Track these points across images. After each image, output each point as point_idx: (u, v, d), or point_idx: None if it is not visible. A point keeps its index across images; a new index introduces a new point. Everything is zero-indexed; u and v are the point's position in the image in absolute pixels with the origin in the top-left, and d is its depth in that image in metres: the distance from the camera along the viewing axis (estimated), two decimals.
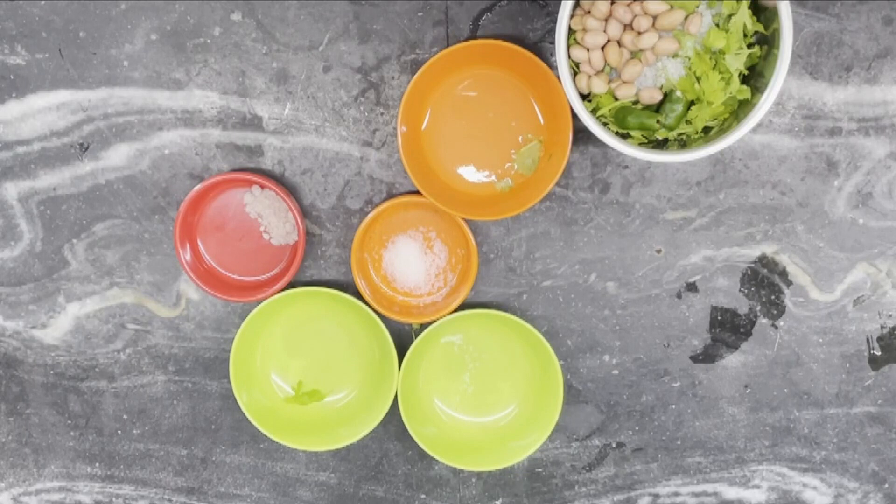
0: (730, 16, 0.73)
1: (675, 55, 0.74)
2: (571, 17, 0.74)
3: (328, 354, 0.90)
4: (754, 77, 0.74)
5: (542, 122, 0.83)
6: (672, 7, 0.73)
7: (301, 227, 0.83)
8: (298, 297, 0.86)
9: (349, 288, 0.86)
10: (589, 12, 0.74)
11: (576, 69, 0.76)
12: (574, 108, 0.74)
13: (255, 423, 0.87)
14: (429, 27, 0.83)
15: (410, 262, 0.87)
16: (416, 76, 0.80)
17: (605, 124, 0.76)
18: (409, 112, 0.82)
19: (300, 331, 0.90)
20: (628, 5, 0.74)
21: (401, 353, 0.86)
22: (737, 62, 0.73)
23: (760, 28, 0.73)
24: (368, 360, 0.90)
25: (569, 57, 0.74)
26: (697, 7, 0.73)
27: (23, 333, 0.90)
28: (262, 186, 0.84)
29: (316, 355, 0.90)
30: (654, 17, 0.74)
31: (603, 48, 0.75)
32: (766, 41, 0.73)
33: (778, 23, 0.70)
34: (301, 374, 0.91)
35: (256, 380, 0.90)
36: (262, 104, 0.84)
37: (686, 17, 0.73)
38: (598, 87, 0.75)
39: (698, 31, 0.73)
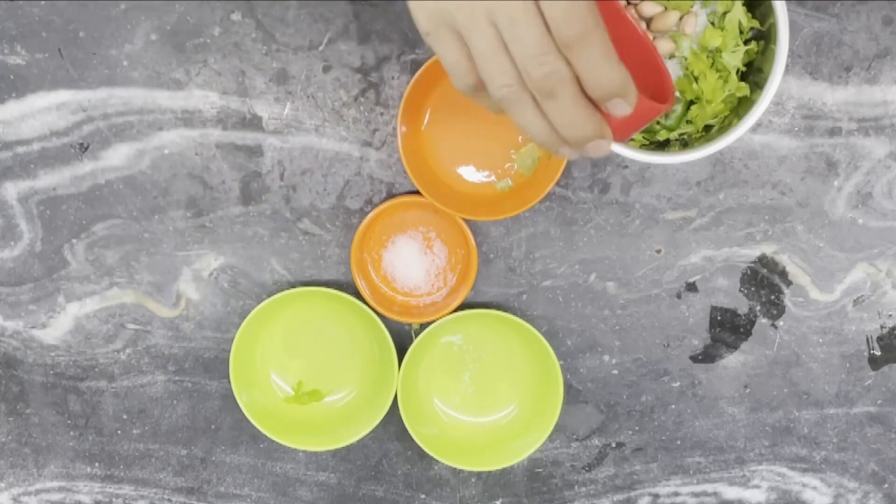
0: (724, 14, 0.73)
1: (671, 56, 0.74)
2: None
3: (328, 354, 0.90)
4: (753, 73, 0.74)
5: None
6: (666, 8, 0.73)
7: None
8: (298, 297, 0.86)
9: (349, 288, 0.86)
10: None
11: None
12: None
13: (255, 423, 0.87)
14: None
15: (410, 262, 0.87)
16: (416, 76, 0.80)
17: None
18: (409, 112, 0.82)
19: (300, 331, 0.90)
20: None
21: (401, 353, 0.86)
22: (734, 60, 0.73)
23: (756, 24, 0.73)
24: (368, 360, 0.90)
25: None
26: (692, 7, 0.73)
27: (23, 333, 0.90)
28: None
29: (316, 355, 0.90)
30: (649, 20, 0.74)
31: None
32: (762, 37, 0.73)
33: (773, 17, 0.70)
34: (301, 374, 0.91)
35: (256, 380, 0.90)
36: (262, 104, 0.84)
37: (681, 18, 0.73)
38: None
39: (694, 31, 0.73)
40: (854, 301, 0.86)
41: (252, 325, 0.86)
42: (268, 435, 0.87)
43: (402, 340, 0.88)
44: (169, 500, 0.93)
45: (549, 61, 0.50)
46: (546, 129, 0.53)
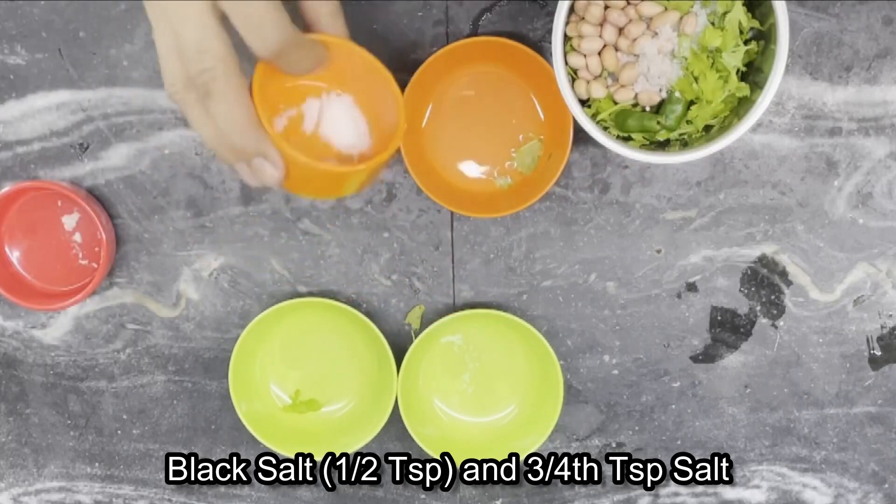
0: (724, 14, 0.73)
1: (672, 55, 0.74)
2: (567, 23, 0.74)
3: (327, 365, 0.90)
4: (753, 73, 0.74)
5: (542, 119, 0.83)
6: (666, 8, 0.73)
7: (105, 251, 0.84)
8: (297, 307, 0.86)
9: (349, 289, 0.86)
10: (583, 18, 0.74)
11: (574, 75, 0.76)
12: (574, 114, 0.74)
13: (254, 433, 0.87)
14: (429, 27, 0.83)
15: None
16: (415, 74, 0.80)
17: (605, 128, 0.76)
18: (409, 110, 0.81)
19: (299, 341, 0.90)
20: (622, 9, 0.74)
21: (401, 354, 0.86)
22: (734, 60, 0.73)
23: (756, 24, 0.73)
24: (367, 371, 0.90)
25: (566, 64, 0.74)
26: (692, 7, 0.73)
27: (23, 333, 0.90)
28: (71, 210, 0.86)
29: (315, 366, 0.90)
30: (649, 20, 0.74)
31: (599, 53, 0.75)
32: (762, 37, 0.73)
33: (773, 17, 0.70)
34: (300, 384, 0.90)
35: (255, 390, 0.89)
36: None
37: (681, 18, 0.73)
38: (597, 91, 0.75)
39: (694, 31, 0.73)
40: (854, 301, 0.86)
41: (251, 336, 0.86)
42: (267, 445, 0.87)
43: (402, 340, 0.88)
44: (169, 500, 0.93)
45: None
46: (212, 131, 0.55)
